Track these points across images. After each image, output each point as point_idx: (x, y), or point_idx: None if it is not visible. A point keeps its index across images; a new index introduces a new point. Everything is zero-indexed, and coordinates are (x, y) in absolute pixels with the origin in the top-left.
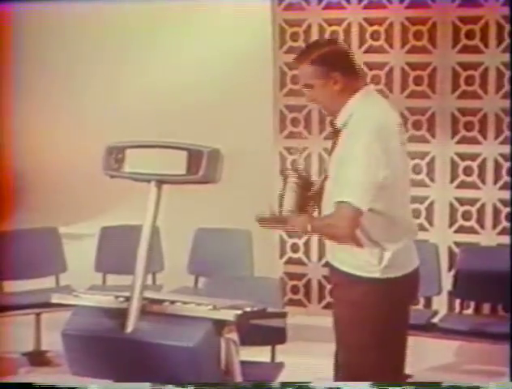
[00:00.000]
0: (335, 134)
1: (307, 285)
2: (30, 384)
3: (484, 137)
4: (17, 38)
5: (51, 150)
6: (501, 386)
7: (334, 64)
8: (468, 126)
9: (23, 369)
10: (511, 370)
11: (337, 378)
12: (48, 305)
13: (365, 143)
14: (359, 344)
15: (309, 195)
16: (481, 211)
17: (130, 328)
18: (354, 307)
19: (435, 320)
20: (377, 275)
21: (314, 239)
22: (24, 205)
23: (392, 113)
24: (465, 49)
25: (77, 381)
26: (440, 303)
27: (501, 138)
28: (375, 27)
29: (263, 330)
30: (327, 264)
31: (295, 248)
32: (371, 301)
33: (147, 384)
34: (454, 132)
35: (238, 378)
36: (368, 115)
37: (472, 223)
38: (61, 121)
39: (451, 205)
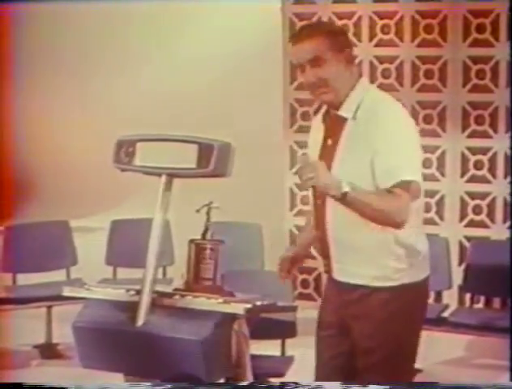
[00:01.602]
0: (333, 124)
1: (317, 279)
2: (20, 384)
3: (495, 131)
4: (19, 32)
5: (62, 144)
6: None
7: (347, 40)
8: (479, 120)
9: (35, 361)
10: (511, 370)
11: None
12: (59, 298)
13: (397, 126)
14: (383, 350)
15: None
16: (492, 206)
17: (140, 321)
18: (376, 319)
19: (445, 314)
20: (401, 281)
21: None
22: (35, 199)
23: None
24: (476, 43)
25: (87, 373)
26: (450, 297)
27: None
28: (385, 21)
29: (273, 323)
30: (331, 282)
31: None
32: (393, 310)
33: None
34: (465, 126)
35: (248, 372)
36: (384, 105)
37: (483, 217)
38: (73, 116)
39: (462, 199)
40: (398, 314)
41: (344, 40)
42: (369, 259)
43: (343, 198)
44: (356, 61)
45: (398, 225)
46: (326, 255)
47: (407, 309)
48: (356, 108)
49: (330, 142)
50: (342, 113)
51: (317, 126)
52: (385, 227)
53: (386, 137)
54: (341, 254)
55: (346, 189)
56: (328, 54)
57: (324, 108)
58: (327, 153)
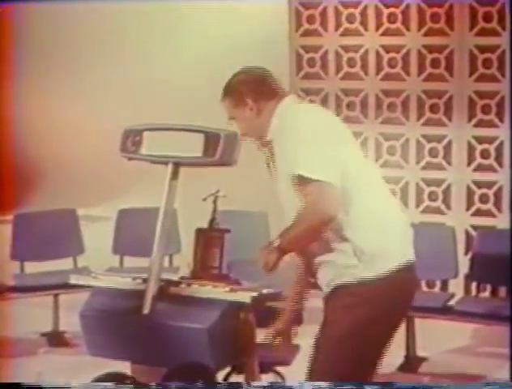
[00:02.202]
0: (270, 154)
1: None
2: (18, 384)
3: (501, 120)
4: (19, 27)
5: (69, 133)
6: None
7: (244, 91)
8: (485, 109)
9: (42, 349)
10: (511, 370)
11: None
12: (66, 286)
13: (303, 129)
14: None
15: None
16: (498, 195)
17: (147, 309)
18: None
19: (451, 303)
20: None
21: None
22: (43, 188)
23: (320, 110)
24: (482, 32)
25: (94, 361)
26: (456, 286)
27: None
28: (392, 10)
29: (279, 312)
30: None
31: None
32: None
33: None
34: (471, 115)
35: (255, 361)
36: (294, 115)
37: (489, 206)
38: (80, 104)
39: (468, 188)
40: (348, 311)
41: (244, 93)
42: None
43: (284, 251)
44: (362, 50)
45: (328, 219)
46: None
47: (359, 306)
48: (272, 131)
49: (271, 165)
50: (266, 138)
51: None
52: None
53: (290, 141)
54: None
55: (276, 243)
56: (232, 111)
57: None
58: (273, 176)
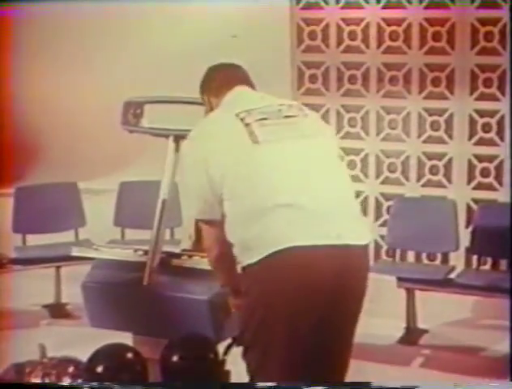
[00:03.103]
0: None
1: None
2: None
3: (503, 93)
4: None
5: (71, 106)
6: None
7: (201, 86)
8: (487, 83)
9: (44, 321)
10: (511, 343)
11: None
12: (67, 258)
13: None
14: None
15: None
16: (499, 168)
17: (148, 281)
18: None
19: (452, 276)
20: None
21: None
22: (45, 161)
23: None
24: (484, 4)
25: (96, 333)
26: (457, 259)
27: None
28: None
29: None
30: None
31: None
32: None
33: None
34: (473, 88)
35: None
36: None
37: (490, 180)
38: (80, 77)
39: (469, 162)
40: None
41: (201, 89)
42: None
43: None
44: (364, 23)
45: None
46: None
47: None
48: None
49: None
50: None
51: None
52: None
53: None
54: None
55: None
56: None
57: None
58: None
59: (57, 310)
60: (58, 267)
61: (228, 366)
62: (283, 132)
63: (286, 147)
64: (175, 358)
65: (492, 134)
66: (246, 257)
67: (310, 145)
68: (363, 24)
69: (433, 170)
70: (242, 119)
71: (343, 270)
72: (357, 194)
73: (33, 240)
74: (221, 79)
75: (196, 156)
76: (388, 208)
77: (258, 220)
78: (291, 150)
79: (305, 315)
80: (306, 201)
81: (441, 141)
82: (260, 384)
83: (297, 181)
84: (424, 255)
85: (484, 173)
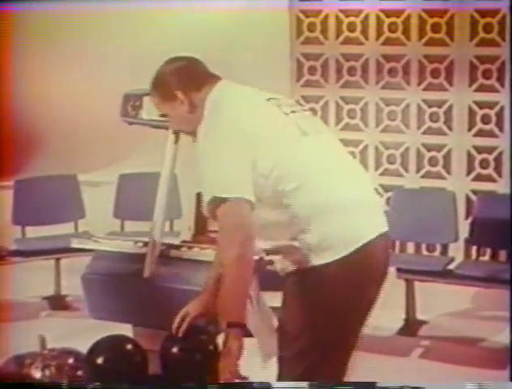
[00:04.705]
0: None
1: None
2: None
3: (502, 85)
4: None
5: (70, 97)
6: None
7: (173, 83)
8: (486, 74)
9: (44, 312)
10: (511, 334)
11: None
12: (67, 250)
13: (208, 141)
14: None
15: None
16: (499, 159)
17: (148, 273)
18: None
19: (451, 267)
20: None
21: None
22: (44, 153)
23: (250, 92)
24: None
25: (95, 324)
26: (457, 250)
27: None
28: None
29: (280, 276)
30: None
31: None
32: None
33: None
34: (472, 80)
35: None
36: (214, 113)
37: (490, 171)
38: (79, 69)
39: (469, 153)
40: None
41: (172, 85)
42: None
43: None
44: (363, 14)
45: (240, 250)
46: None
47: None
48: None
49: None
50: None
51: None
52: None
53: (200, 156)
54: None
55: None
56: (162, 106)
57: None
58: None
59: (57, 302)
60: (58, 259)
61: None
62: (313, 126)
63: (323, 140)
64: (175, 350)
65: (491, 126)
66: (319, 257)
67: (331, 139)
68: (362, 16)
69: (433, 162)
70: (278, 107)
71: (388, 257)
72: None
73: (33, 232)
74: (203, 70)
75: (242, 141)
76: (387, 200)
77: (328, 218)
78: (327, 143)
79: (364, 309)
80: (358, 194)
81: (440, 132)
82: (257, 382)
83: (344, 175)
84: (423, 246)
85: (484, 164)
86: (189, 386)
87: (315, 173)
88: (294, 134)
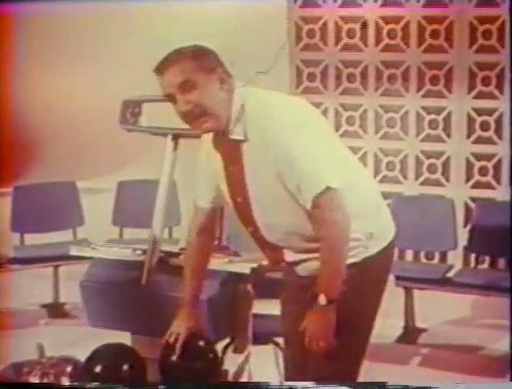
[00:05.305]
0: (229, 149)
1: None
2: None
3: (501, 92)
4: None
5: (69, 104)
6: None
7: (217, 60)
8: (485, 81)
9: (43, 320)
10: (511, 342)
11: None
12: (66, 257)
13: (291, 134)
14: None
15: None
16: (497, 167)
17: (146, 280)
18: None
19: (450, 274)
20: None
21: None
22: (43, 160)
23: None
24: (482, 4)
25: (94, 332)
26: (455, 258)
27: None
28: None
29: (279, 283)
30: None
31: None
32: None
33: None
34: (471, 87)
35: (249, 332)
36: (269, 116)
37: (489, 178)
38: (78, 76)
39: (468, 160)
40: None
41: (214, 60)
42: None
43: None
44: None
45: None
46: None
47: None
48: (244, 127)
49: (232, 169)
50: (234, 136)
51: (210, 152)
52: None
53: (285, 152)
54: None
55: (321, 301)
56: (197, 77)
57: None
58: (236, 183)
59: (56, 310)
60: (57, 267)
61: (225, 366)
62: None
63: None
64: (174, 358)
65: (490, 133)
66: (371, 247)
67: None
68: (361, 22)
69: (431, 169)
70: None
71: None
72: None
73: (31, 239)
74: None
75: (326, 133)
76: None
77: (375, 209)
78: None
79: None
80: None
81: (439, 139)
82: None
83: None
84: (422, 254)
85: (483, 171)
86: None
87: (355, 170)
88: (331, 134)
